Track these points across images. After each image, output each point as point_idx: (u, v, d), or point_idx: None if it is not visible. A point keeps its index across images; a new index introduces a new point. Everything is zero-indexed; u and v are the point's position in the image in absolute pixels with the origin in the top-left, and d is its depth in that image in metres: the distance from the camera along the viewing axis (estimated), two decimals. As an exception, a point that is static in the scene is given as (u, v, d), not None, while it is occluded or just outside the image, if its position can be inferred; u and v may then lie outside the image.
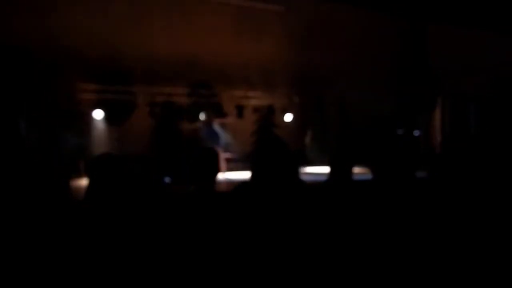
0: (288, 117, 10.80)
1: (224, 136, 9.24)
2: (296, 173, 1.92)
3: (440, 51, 10.39)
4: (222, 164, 7.91)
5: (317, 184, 3.03)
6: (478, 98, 9.28)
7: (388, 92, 10.22)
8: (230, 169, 8.61)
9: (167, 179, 6.82)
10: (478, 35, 8.46)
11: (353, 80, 10.25)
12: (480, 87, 8.89)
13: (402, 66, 10.00)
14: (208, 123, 9.17)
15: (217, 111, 10.00)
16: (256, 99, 10.56)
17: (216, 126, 9.24)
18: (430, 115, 10.39)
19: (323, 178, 2.95)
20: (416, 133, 11.11)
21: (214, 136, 8.71)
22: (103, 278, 1.74)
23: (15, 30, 7.54)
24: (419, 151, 10.41)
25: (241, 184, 2.35)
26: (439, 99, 9.99)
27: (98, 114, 8.83)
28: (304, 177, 2.12)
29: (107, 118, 9.00)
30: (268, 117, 10.77)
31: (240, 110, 10.23)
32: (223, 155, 8.31)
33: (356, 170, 2.91)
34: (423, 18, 9.46)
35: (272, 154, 1.80)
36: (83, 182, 2.15)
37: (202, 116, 9.51)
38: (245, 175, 1.98)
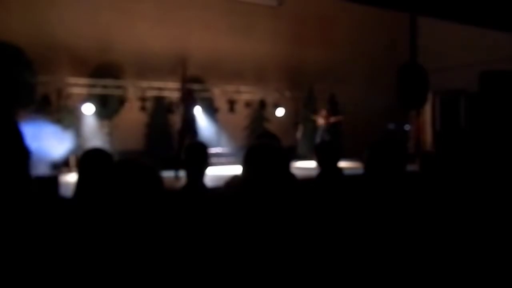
0: (280, 112, 10.82)
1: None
2: (287, 167, 1.92)
3: (430, 45, 10.45)
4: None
5: (308, 179, 3.04)
6: (468, 93, 9.35)
7: (379, 86, 10.27)
8: (220, 163, 8.60)
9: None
10: (468, 29, 8.53)
11: (344, 75, 10.29)
12: (470, 82, 8.96)
13: (393, 61, 10.04)
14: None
15: (208, 105, 9.97)
16: (247, 93, 10.56)
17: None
18: (420, 110, 10.45)
19: (314, 172, 2.96)
20: (407, 127, 11.18)
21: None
22: (93, 275, 1.74)
23: (4, 24, 7.45)
24: (410, 146, 10.50)
25: (232, 178, 2.35)
26: (430, 94, 10.05)
27: (88, 108, 8.74)
28: (295, 172, 2.13)
29: (97, 112, 8.93)
30: (259, 112, 10.78)
31: (231, 105, 10.24)
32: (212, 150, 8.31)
33: (347, 164, 2.93)
34: (413, 12, 9.50)
35: (263, 149, 1.80)
36: (74, 176, 2.14)
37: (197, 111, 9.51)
38: (236, 169, 1.98)
